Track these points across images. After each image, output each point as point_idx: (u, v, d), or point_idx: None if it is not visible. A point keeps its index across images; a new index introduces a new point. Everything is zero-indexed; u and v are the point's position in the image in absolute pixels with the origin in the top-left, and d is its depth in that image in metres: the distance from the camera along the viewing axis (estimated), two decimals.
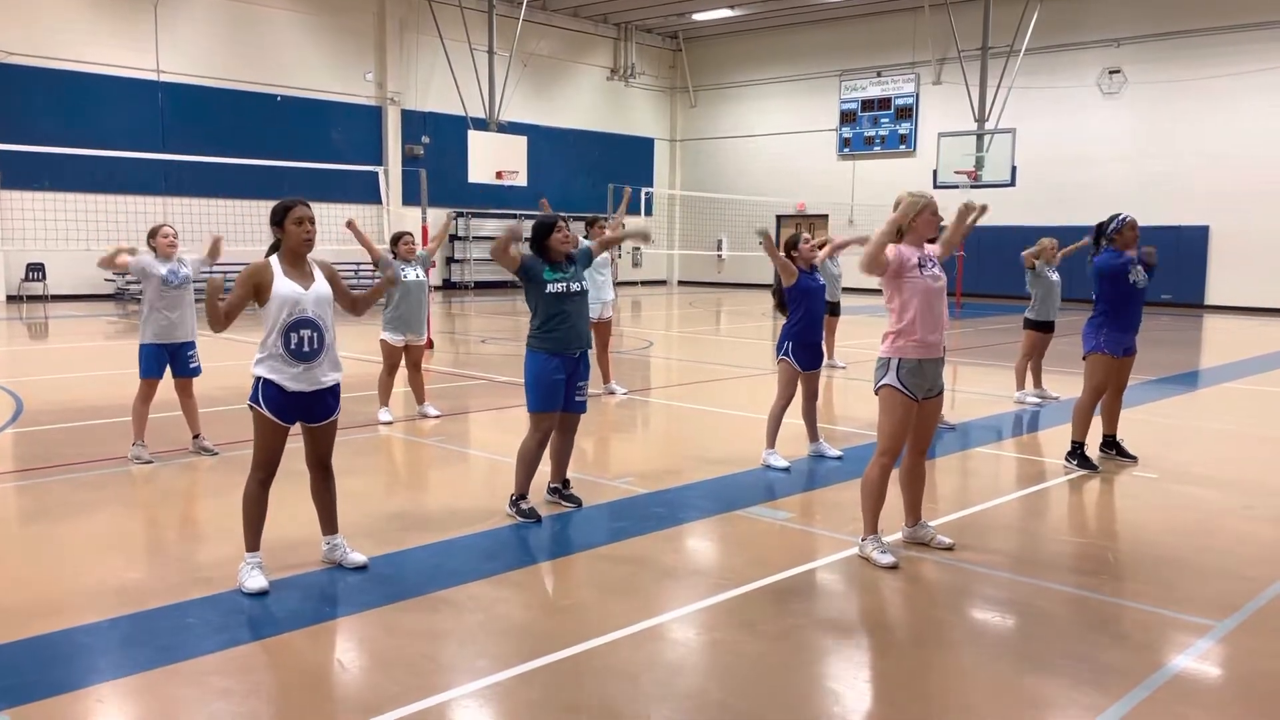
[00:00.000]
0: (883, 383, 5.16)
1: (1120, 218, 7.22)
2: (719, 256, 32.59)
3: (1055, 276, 10.12)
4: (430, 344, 9.14)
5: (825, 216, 30.83)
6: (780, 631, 4.29)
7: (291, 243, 4.65)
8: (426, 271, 9.03)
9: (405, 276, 8.65)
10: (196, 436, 7.46)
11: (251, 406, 4.65)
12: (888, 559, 5.06)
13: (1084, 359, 7.34)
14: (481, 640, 4.18)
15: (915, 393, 5.11)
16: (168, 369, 7.27)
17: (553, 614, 4.58)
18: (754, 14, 30.30)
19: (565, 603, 4.76)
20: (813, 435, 7.54)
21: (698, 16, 30.86)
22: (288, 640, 4.16)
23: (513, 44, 24.96)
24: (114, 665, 3.88)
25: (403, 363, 8.90)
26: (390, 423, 8.66)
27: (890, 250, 5.06)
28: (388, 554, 5.19)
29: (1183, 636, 4.27)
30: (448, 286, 28.64)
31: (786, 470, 7.09)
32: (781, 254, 7.09)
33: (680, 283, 34.42)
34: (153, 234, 7.27)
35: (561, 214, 6.08)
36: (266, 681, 3.81)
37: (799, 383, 7.26)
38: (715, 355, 15.08)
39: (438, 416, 8.98)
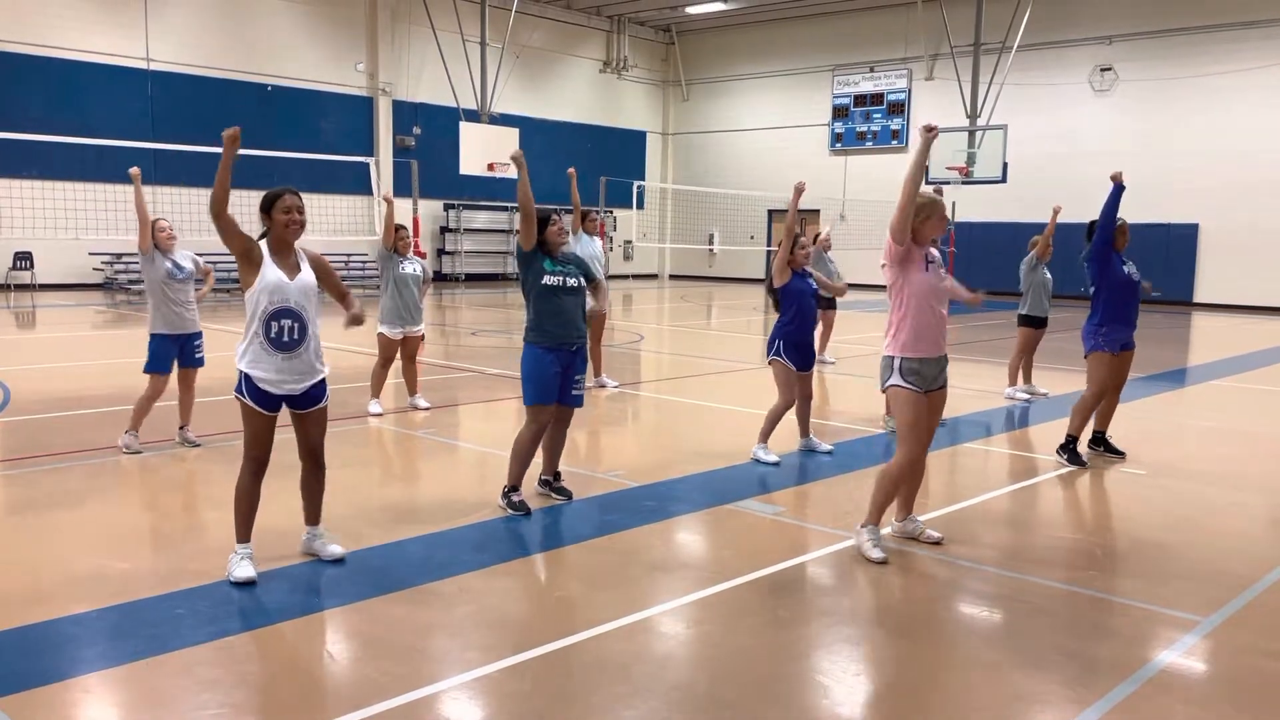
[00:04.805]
0: (889, 383, 5.19)
1: None
2: (710, 251, 32.59)
3: (1048, 275, 10.46)
4: (422, 337, 9.16)
5: (817, 212, 30.83)
6: (770, 624, 4.30)
7: (278, 232, 4.65)
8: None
9: (400, 269, 8.69)
10: (183, 428, 7.43)
11: (237, 397, 4.66)
12: (878, 554, 5.07)
13: (1085, 358, 7.38)
14: (471, 632, 4.18)
15: (919, 386, 5.15)
16: (174, 364, 7.26)
17: (543, 606, 4.58)
18: (747, 7, 30.27)
19: (555, 595, 4.76)
20: (804, 431, 7.56)
21: (691, 10, 30.82)
22: (276, 631, 4.15)
23: (505, 35, 24.90)
24: (102, 655, 3.87)
25: (397, 355, 8.90)
26: (380, 414, 8.64)
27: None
28: (377, 545, 5.18)
29: (1169, 632, 4.30)
30: (438, 279, 28.57)
31: (776, 464, 7.10)
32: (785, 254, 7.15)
33: (672, 277, 34.40)
34: None
35: (554, 207, 6.06)
36: (255, 672, 3.80)
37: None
38: (706, 349, 15.07)
39: (428, 408, 8.96)
